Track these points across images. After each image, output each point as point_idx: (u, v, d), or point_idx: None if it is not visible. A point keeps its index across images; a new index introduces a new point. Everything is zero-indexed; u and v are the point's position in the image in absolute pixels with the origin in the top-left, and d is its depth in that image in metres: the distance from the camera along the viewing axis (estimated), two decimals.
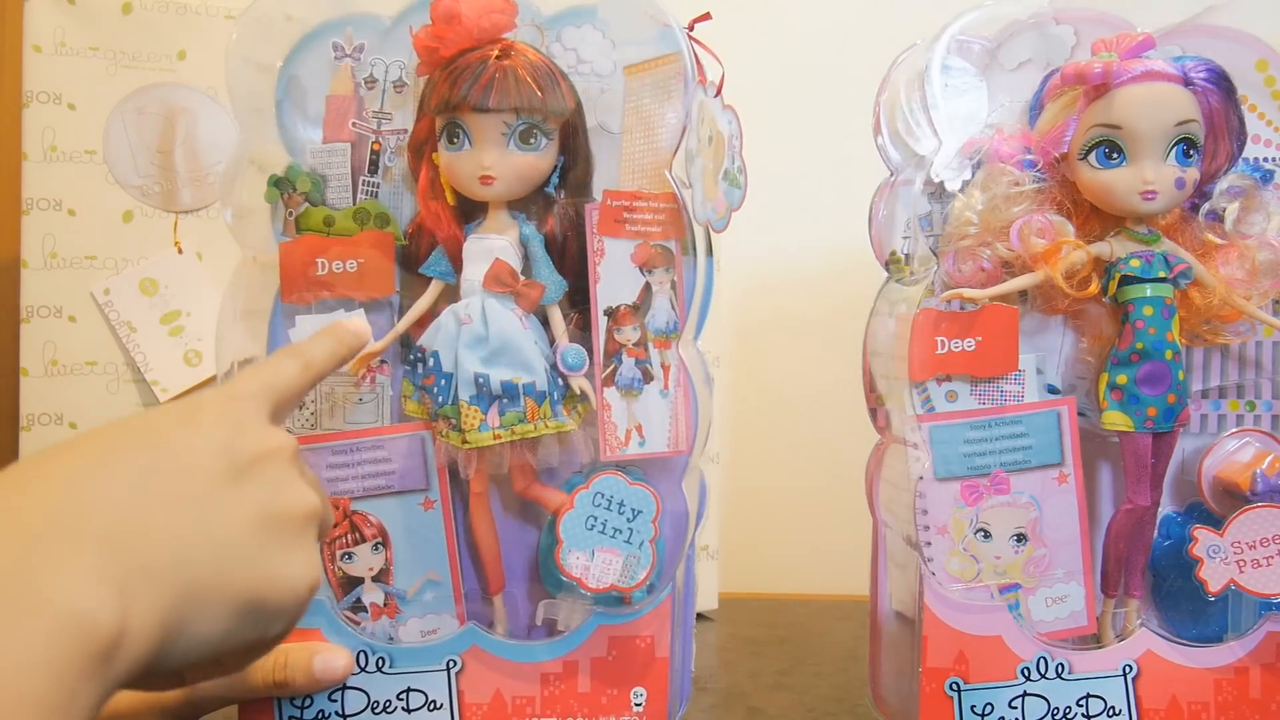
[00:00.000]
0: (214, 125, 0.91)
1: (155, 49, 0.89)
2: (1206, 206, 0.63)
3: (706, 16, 0.60)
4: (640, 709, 0.61)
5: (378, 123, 0.61)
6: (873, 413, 0.70)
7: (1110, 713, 0.62)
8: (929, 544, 0.62)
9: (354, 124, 0.61)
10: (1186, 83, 0.59)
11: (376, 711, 0.60)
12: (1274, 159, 0.64)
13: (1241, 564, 0.61)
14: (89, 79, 0.87)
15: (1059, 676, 0.62)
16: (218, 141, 0.91)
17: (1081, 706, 0.62)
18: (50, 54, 0.86)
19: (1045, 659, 0.62)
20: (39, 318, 0.87)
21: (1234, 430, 0.65)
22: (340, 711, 0.60)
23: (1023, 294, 0.63)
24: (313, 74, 0.61)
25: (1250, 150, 0.63)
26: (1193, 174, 0.60)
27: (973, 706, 0.61)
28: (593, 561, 0.58)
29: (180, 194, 0.91)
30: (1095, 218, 0.62)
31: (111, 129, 0.88)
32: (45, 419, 0.87)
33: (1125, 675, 0.62)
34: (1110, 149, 0.59)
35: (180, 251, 0.91)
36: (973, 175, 0.62)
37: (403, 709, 0.60)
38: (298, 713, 0.59)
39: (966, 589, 0.62)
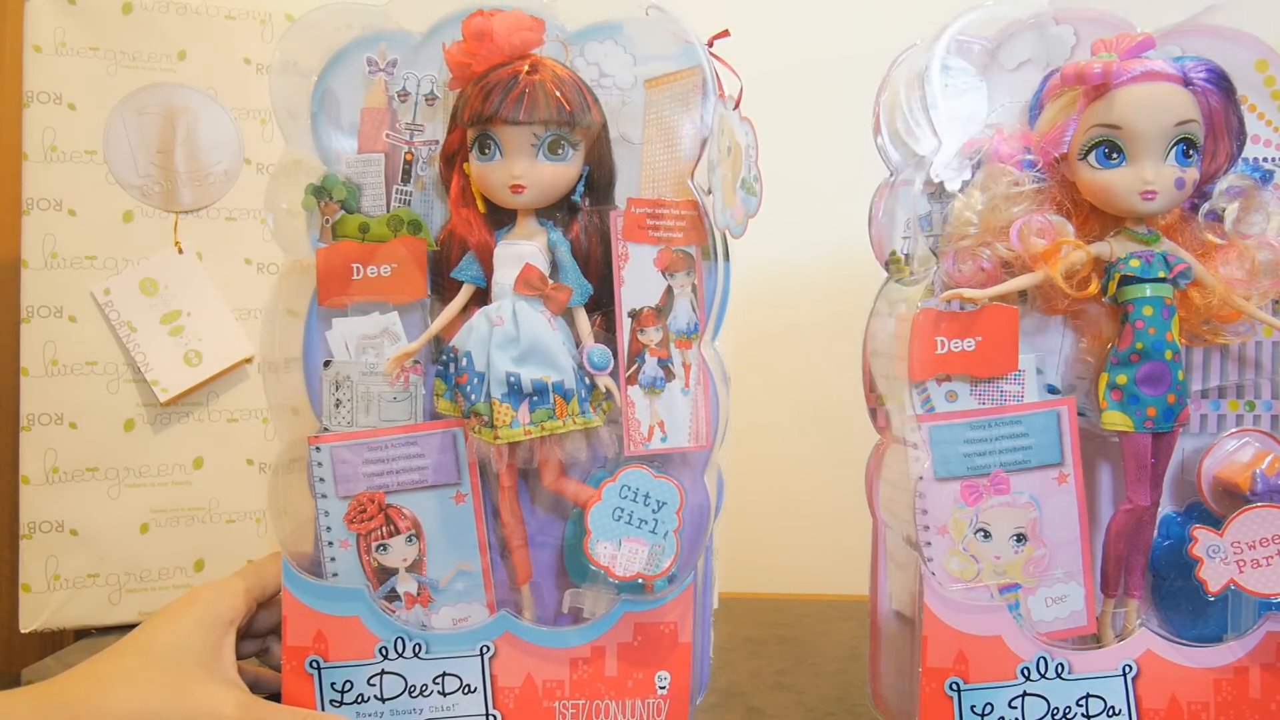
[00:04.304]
0: (214, 125, 0.91)
1: (155, 49, 0.89)
2: (1206, 206, 0.63)
3: (725, 33, 0.63)
4: (664, 691, 0.63)
5: (410, 134, 0.64)
6: (873, 413, 0.70)
7: (1110, 713, 0.62)
8: (929, 544, 0.62)
9: (388, 135, 0.64)
10: (1186, 83, 0.59)
11: (413, 695, 0.63)
12: (1274, 159, 0.64)
13: (1241, 564, 0.61)
14: (89, 79, 0.88)
15: (1059, 676, 0.62)
16: (218, 141, 0.91)
17: (1081, 706, 0.62)
18: (50, 54, 0.87)
19: (1045, 659, 0.62)
20: (39, 318, 0.87)
21: (1234, 430, 0.65)
22: (379, 695, 0.63)
23: (1023, 294, 0.63)
24: (346, 87, 0.64)
25: (1250, 150, 0.63)
26: (1192, 174, 0.60)
27: (973, 706, 0.61)
28: (619, 551, 0.61)
29: (180, 194, 0.91)
30: (1095, 218, 0.62)
31: (111, 129, 0.88)
32: (45, 419, 0.87)
33: (1125, 675, 0.62)
34: (1110, 149, 0.59)
35: (180, 251, 0.91)
36: (973, 175, 0.62)
37: (438, 692, 0.63)
38: (338, 696, 0.62)
39: (966, 589, 0.62)
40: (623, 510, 0.61)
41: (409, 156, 0.64)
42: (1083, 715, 0.62)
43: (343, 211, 0.63)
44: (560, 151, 0.60)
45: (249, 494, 0.92)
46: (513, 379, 0.60)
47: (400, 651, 0.63)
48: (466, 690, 0.63)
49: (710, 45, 0.62)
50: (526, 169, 0.60)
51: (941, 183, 0.62)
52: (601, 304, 0.63)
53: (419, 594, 0.64)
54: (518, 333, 0.60)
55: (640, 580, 0.61)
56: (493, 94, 0.59)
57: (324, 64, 0.64)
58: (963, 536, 0.62)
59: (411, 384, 0.64)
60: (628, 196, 0.62)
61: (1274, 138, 0.64)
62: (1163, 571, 0.65)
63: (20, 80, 0.86)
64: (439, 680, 0.63)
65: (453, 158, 0.63)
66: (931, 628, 0.61)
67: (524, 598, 0.65)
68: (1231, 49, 0.62)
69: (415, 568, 0.64)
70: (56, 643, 0.95)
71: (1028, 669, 0.61)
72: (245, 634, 0.65)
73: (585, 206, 0.63)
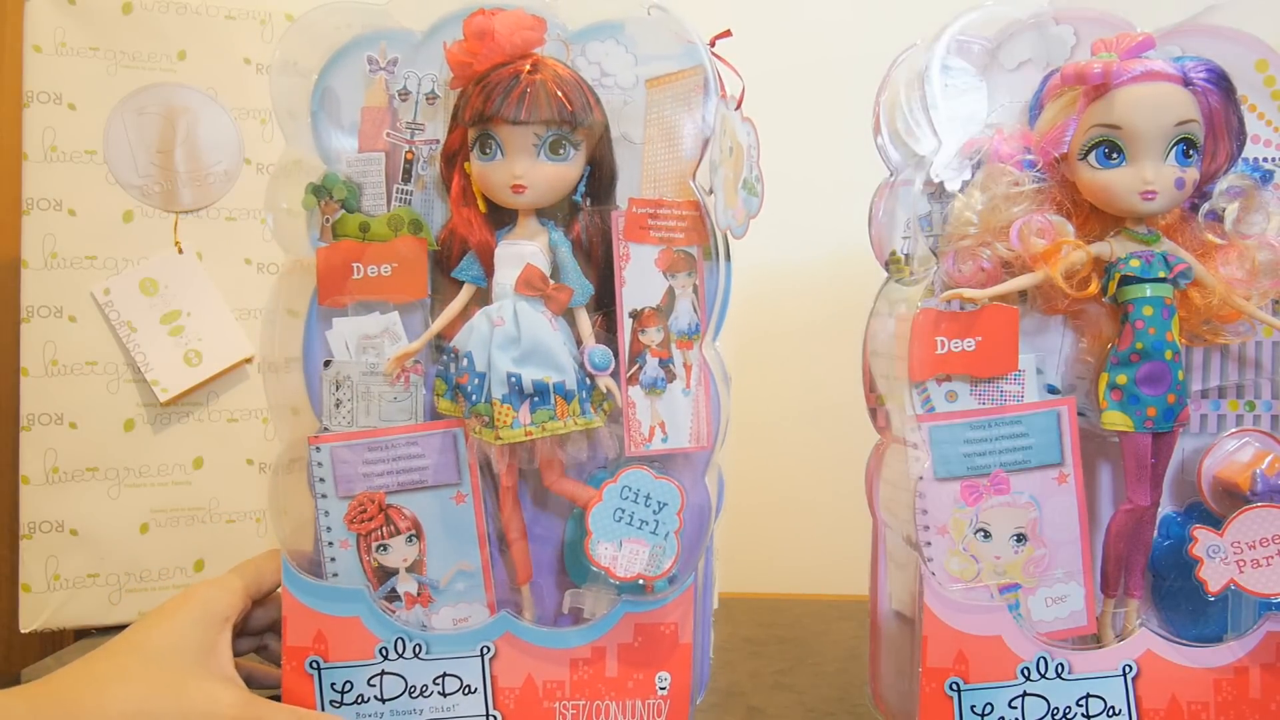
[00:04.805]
0: (214, 125, 0.91)
1: (155, 49, 0.89)
2: (1206, 206, 0.63)
3: (727, 33, 0.63)
4: (664, 692, 0.63)
5: (411, 133, 0.64)
6: (873, 413, 0.70)
7: (1110, 713, 0.62)
8: (929, 544, 0.62)
9: (388, 134, 0.64)
10: (1186, 83, 0.59)
11: (414, 695, 0.63)
12: (1274, 159, 0.64)
13: (1241, 564, 0.61)
14: (89, 79, 0.88)
15: (1059, 676, 0.62)
16: (218, 141, 0.91)
17: (1081, 706, 0.62)
18: (50, 54, 0.86)
19: (1045, 659, 0.62)
20: (39, 318, 0.87)
21: (1234, 430, 0.65)
22: (379, 695, 0.63)
23: (1023, 294, 0.63)
24: (347, 86, 0.64)
25: (1250, 150, 0.63)
26: (1192, 174, 0.60)
27: (973, 706, 0.61)
28: (620, 551, 0.61)
29: (180, 194, 0.91)
30: (1095, 218, 0.62)
31: (111, 129, 0.88)
32: (45, 419, 0.87)
33: (1125, 675, 0.62)
34: (1110, 149, 0.59)
35: (180, 251, 0.91)
36: (973, 175, 0.62)
37: (439, 693, 0.63)
38: (338, 697, 0.62)
39: (966, 589, 0.62)
40: (623, 511, 0.61)
41: (409, 156, 0.64)
42: (1083, 715, 0.62)
43: (343, 211, 0.63)
44: (562, 151, 0.60)
45: (249, 494, 0.92)
46: (514, 379, 0.60)
47: (400, 652, 0.63)
48: (467, 691, 0.63)
49: (712, 45, 0.62)
50: (528, 169, 0.60)
51: (941, 183, 0.62)
52: (603, 304, 0.63)
53: (419, 594, 0.64)
54: (519, 333, 0.60)
55: (641, 581, 0.61)
56: (494, 93, 0.59)
57: (324, 63, 0.64)
58: (963, 536, 0.62)
59: (412, 384, 0.64)
60: (629, 196, 0.62)
61: (1274, 138, 0.64)
62: (1163, 571, 0.65)
63: (20, 80, 0.86)
64: (439, 681, 0.63)
65: (453, 157, 0.63)
66: (931, 628, 0.61)
67: (524, 598, 0.65)
68: (1231, 49, 0.62)
69: (415, 568, 0.64)
70: (56, 643, 0.95)
71: (1028, 669, 0.61)
72: (241, 631, 0.65)
73: (586, 206, 0.63)
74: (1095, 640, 0.64)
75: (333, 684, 0.62)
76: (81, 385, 0.88)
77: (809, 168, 1.01)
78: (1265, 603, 0.62)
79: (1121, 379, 0.61)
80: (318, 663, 0.62)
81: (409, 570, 0.64)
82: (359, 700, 0.62)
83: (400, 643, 0.63)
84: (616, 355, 0.62)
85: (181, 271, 0.90)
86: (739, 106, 0.63)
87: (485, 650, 0.63)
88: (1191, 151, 0.59)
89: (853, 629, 0.94)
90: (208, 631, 0.60)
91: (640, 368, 0.61)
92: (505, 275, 0.61)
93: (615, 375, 0.62)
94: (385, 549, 0.64)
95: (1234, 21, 0.63)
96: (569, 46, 0.63)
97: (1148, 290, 0.60)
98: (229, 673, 0.61)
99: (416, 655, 0.63)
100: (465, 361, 0.61)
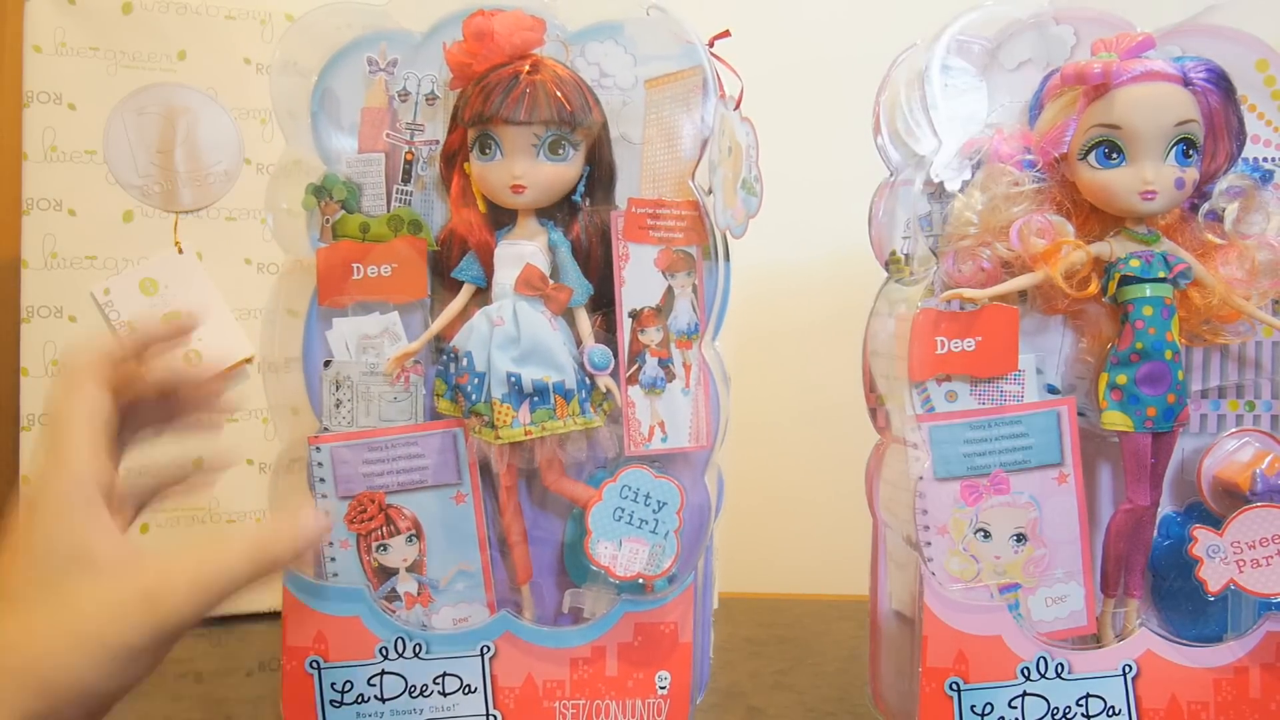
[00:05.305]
0: (214, 125, 0.91)
1: (155, 49, 0.89)
2: (1206, 206, 0.63)
3: (726, 34, 0.63)
4: (664, 692, 0.63)
5: (410, 134, 0.64)
6: (873, 413, 0.70)
7: (1110, 712, 0.62)
8: (929, 544, 0.62)
9: (388, 135, 0.64)
10: (1186, 83, 0.59)
11: (414, 695, 0.63)
12: (1274, 159, 0.64)
13: (1241, 564, 0.61)
14: (89, 79, 0.88)
15: (1059, 676, 0.62)
16: (218, 141, 0.91)
17: (1081, 706, 0.62)
18: (50, 54, 0.87)
19: (1045, 659, 0.62)
20: (39, 318, 0.87)
21: (1234, 430, 0.65)
22: (379, 695, 0.63)
23: (1023, 294, 0.63)
24: (347, 87, 0.64)
25: (1250, 150, 0.63)
26: (1192, 174, 0.60)
27: (973, 706, 0.61)
28: (620, 551, 0.61)
29: (180, 194, 0.91)
30: (1095, 218, 0.62)
31: (111, 129, 0.88)
32: (45, 419, 0.87)
33: (1125, 675, 0.62)
34: (1110, 149, 0.59)
35: (180, 251, 0.91)
36: (973, 175, 0.62)
37: (439, 693, 0.63)
38: (338, 697, 0.62)
39: (966, 589, 0.62)
40: (623, 510, 0.61)
41: (409, 156, 0.64)
42: (1083, 715, 0.62)
43: (343, 211, 0.63)
44: (561, 151, 0.61)
45: (249, 494, 0.92)
46: (513, 379, 0.60)
47: (400, 652, 0.63)
48: (467, 690, 0.63)
49: (711, 45, 0.62)
50: (527, 169, 0.60)
51: (941, 183, 0.62)
52: (602, 304, 0.63)
53: (419, 594, 0.64)
54: (518, 333, 0.60)
55: (641, 580, 0.61)
56: (493, 94, 0.59)
57: (324, 64, 0.64)
58: (963, 536, 0.62)
59: (412, 384, 0.64)
60: (628, 196, 0.62)
61: (1274, 138, 0.64)
62: (1163, 571, 0.65)
63: (20, 80, 0.86)
64: (439, 680, 0.63)
65: (453, 157, 0.63)
66: (931, 628, 0.61)
67: (524, 598, 0.65)
68: (1231, 49, 0.62)
69: (415, 568, 0.64)
70: None
71: (1028, 669, 0.61)
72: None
73: (586, 206, 0.63)
74: (1095, 640, 0.64)
75: (333, 684, 0.62)
76: None
77: (809, 168, 1.01)
78: (1265, 603, 0.62)
79: (1121, 379, 0.61)
80: (318, 662, 0.62)
81: (409, 570, 0.64)
82: (359, 700, 0.62)
83: (400, 642, 0.63)
84: (616, 355, 0.62)
85: (181, 271, 0.90)
86: (738, 106, 0.63)
87: (485, 650, 0.63)
88: (1191, 151, 0.59)
89: (853, 629, 0.94)
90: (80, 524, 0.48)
91: (640, 367, 0.61)
92: (505, 275, 0.61)
93: (615, 375, 0.62)
94: (385, 549, 0.64)
95: (1234, 21, 0.63)
96: (568, 47, 0.63)
97: (1148, 290, 0.60)
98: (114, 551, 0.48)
99: (416, 655, 0.63)
100: (465, 361, 0.61)
